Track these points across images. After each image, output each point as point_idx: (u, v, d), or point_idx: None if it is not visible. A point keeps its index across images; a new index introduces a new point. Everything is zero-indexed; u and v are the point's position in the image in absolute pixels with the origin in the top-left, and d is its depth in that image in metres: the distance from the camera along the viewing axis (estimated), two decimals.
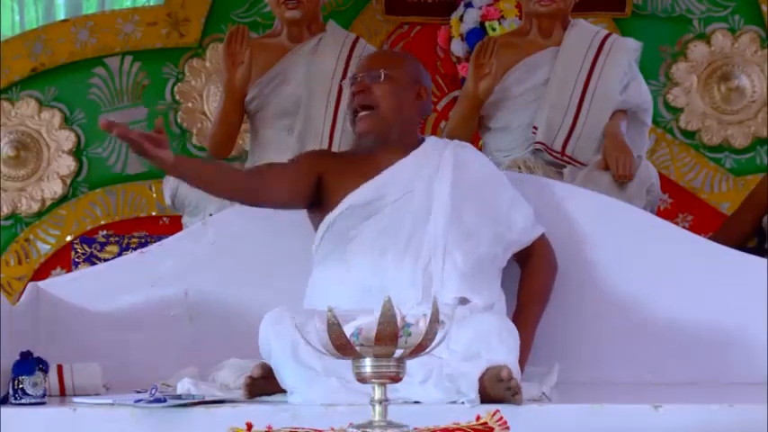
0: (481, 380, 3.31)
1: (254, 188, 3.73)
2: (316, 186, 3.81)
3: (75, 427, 3.38)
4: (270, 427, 2.80)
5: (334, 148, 4.68)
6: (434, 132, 5.92)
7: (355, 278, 3.64)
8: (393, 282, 3.56)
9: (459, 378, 3.33)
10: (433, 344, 2.82)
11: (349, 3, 6.15)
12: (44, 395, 3.50)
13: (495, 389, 3.29)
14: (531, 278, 3.85)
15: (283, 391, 3.45)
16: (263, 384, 3.47)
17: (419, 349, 2.81)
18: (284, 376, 3.44)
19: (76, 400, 3.55)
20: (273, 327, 3.48)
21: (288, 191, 3.77)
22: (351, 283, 3.62)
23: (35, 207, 6.08)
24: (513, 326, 3.51)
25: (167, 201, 4.83)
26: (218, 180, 3.67)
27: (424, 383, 3.34)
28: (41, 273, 5.88)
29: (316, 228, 3.82)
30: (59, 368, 3.69)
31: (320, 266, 3.77)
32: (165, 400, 3.39)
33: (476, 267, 3.68)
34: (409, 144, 3.85)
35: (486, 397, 3.29)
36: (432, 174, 3.78)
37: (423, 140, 3.91)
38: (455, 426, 2.84)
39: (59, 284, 4.18)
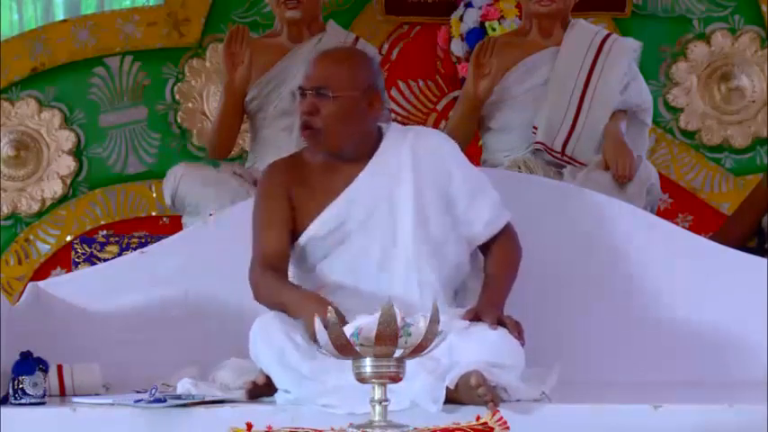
0: (456, 387, 3.30)
1: (285, 268, 3.69)
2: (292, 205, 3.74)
3: (75, 427, 3.39)
4: (270, 428, 2.80)
5: None
6: None
7: (340, 305, 3.59)
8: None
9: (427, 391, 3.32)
10: (433, 344, 2.82)
11: (349, 3, 6.15)
12: (44, 395, 3.50)
13: (469, 396, 3.29)
14: (497, 252, 3.74)
15: None
16: (265, 390, 3.49)
17: (419, 349, 2.81)
18: (274, 379, 3.46)
19: (76, 400, 3.55)
20: (261, 332, 3.48)
21: (290, 242, 3.71)
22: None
23: (35, 207, 6.08)
24: (514, 341, 3.51)
25: (167, 201, 4.84)
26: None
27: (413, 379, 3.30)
28: (41, 273, 5.87)
29: None
30: (59, 368, 3.69)
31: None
32: (165, 400, 3.39)
33: (449, 280, 3.67)
34: (367, 150, 3.72)
35: (462, 403, 3.30)
36: (392, 186, 3.67)
37: (381, 137, 3.76)
38: (455, 426, 2.84)
39: (59, 284, 4.18)
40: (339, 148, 3.69)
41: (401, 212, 3.66)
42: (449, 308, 3.56)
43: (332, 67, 3.70)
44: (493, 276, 3.72)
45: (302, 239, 3.70)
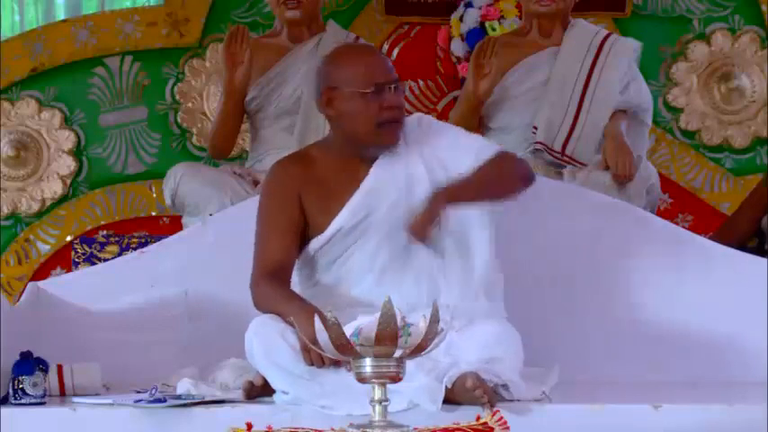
0: (453, 388, 3.29)
1: (289, 276, 3.66)
2: (301, 206, 3.71)
3: (75, 427, 3.39)
4: (270, 427, 2.81)
5: None
6: None
7: (356, 300, 3.59)
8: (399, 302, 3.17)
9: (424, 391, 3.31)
10: (433, 344, 2.83)
11: (349, 3, 6.15)
12: (44, 395, 3.50)
13: (465, 397, 3.28)
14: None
15: None
16: (263, 390, 3.49)
17: (419, 349, 2.81)
18: (270, 380, 3.46)
19: (76, 400, 3.55)
20: (257, 333, 3.47)
21: (297, 246, 3.69)
22: (353, 303, 3.55)
23: (35, 207, 6.08)
24: (515, 333, 3.51)
25: (167, 201, 4.84)
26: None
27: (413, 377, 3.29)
28: (41, 273, 5.87)
29: None
30: (59, 368, 3.69)
31: (311, 290, 3.69)
32: (165, 400, 3.39)
33: (477, 277, 3.64)
34: None
35: (458, 404, 3.29)
36: (407, 173, 3.66)
37: None
38: (455, 426, 2.85)
39: (59, 284, 4.18)
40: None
41: (419, 198, 3.62)
42: (473, 302, 3.57)
43: (389, 62, 3.74)
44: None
45: (325, 236, 3.65)
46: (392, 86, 3.62)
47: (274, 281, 3.60)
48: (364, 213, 3.64)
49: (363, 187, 3.66)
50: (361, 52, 3.84)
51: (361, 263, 3.64)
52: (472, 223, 3.64)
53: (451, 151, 3.70)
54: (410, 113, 3.87)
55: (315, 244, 3.67)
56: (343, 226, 3.64)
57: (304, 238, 3.69)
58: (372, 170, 3.68)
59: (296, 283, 3.70)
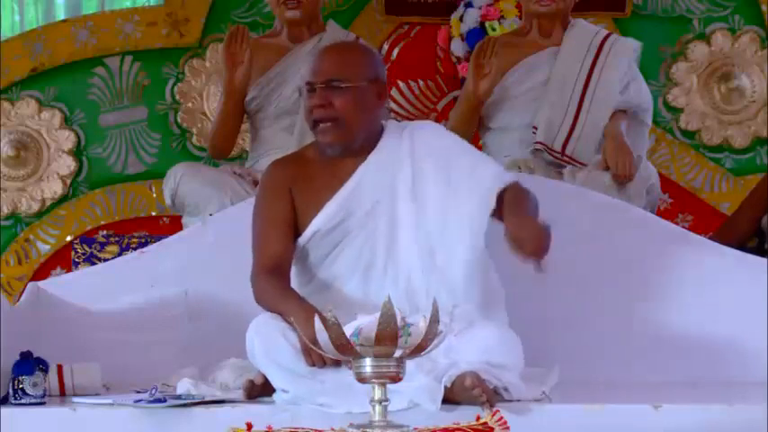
0: (452, 387, 3.30)
1: (288, 270, 3.68)
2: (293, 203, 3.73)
3: (75, 427, 3.39)
4: (270, 427, 2.81)
5: None
6: None
7: (348, 298, 3.62)
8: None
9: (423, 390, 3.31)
10: (433, 344, 2.82)
11: (349, 3, 6.15)
12: (44, 395, 3.50)
13: (464, 396, 3.29)
14: (511, 195, 3.62)
15: None
16: (263, 389, 3.49)
17: (419, 349, 2.81)
18: (270, 378, 3.46)
19: (76, 400, 3.55)
20: (258, 331, 3.48)
21: (292, 242, 3.70)
22: (342, 306, 3.56)
23: (35, 207, 6.08)
24: (515, 338, 3.50)
25: (167, 201, 4.84)
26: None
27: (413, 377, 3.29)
28: (41, 273, 5.87)
29: None
30: (59, 368, 3.69)
31: (304, 289, 3.70)
32: (165, 400, 3.39)
33: (455, 271, 3.62)
34: (370, 145, 3.72)
35: (457, 403, 3.29)
36: (392, 177, 3.67)
37: (382, 131, 3.76)
38: (455, 426, 2.85)
39: (59, 284, 4.18)
40: (353, 139, 3.68)
41: (401, 202, 3.65)
42: (462, 305, 3.55)
43: (340, 59, 3.71)
44: (512, 203, 3.60)
45: (305, 236, 3.68)
46: (318, 86, 3.64)
47: (273, 277, 3.62)
48: (344, 214, 3.67)
49: (346, 188, 3.68)
50: (321, 50, 3.88)
51: (348, 262, 3.67)
52: (453, 226, 3.65)
53: (466, 168, 3.68)
54: (412, 115, 3.86)
55: (301, 240, 3.69)
56: (323, 224, 3.67)
57: (297, 234, 3.71)
58: (358, 171, 3.69)
59: (293, 275, 3.71)
